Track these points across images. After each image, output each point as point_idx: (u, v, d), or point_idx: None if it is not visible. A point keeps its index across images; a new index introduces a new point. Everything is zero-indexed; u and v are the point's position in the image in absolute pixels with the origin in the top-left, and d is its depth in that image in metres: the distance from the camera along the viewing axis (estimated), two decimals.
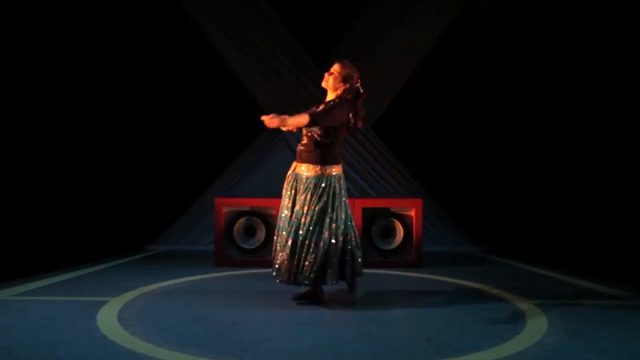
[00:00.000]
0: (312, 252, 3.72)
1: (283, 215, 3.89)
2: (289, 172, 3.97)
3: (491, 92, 7.00)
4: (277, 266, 3.87)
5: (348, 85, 3.88)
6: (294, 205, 3.85)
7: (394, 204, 5.83)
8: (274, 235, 3.99)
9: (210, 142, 7.08)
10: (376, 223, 5.69)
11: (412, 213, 5.65)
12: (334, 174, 3.84)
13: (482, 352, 2.91)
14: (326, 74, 3.95)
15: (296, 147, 4.04)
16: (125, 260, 5.97)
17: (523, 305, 3.96)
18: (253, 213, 5.68)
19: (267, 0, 7.36)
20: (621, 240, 5.51)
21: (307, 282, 3.77)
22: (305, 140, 3.91)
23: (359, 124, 3.97)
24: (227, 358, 2.79)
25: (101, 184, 6.84)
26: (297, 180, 3.88)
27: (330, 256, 3.76)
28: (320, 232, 3.75)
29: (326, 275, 3.77)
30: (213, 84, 7.26)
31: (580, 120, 5.97)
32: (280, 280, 3.85)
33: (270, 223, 5.45)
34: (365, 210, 5.66)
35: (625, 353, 2.92)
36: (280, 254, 3.84)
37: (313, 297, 3.92)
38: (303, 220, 3.76)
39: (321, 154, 3.84)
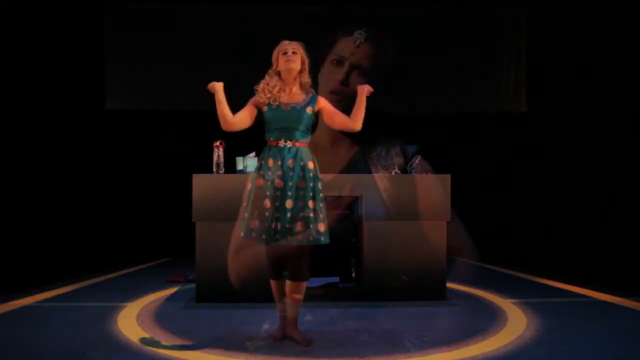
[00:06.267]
0: None
1: None
2: None
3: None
4: None
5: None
6: None
7: None
8: None
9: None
10: None
11: None
12: None
13: (471, 346, 3.20)
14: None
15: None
16: (147, 265, 6.42)
17: (502, 303, 4.38)
18: None
19: None
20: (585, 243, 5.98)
21: None
22: None
23: None
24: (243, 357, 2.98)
25: (126, 193, 7.21)
26: None
27: None
28: None
29: None
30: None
31: None
32: None
33: None
34: None
35: (596, 345, 3.23)
36: None
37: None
38: None
39: None
